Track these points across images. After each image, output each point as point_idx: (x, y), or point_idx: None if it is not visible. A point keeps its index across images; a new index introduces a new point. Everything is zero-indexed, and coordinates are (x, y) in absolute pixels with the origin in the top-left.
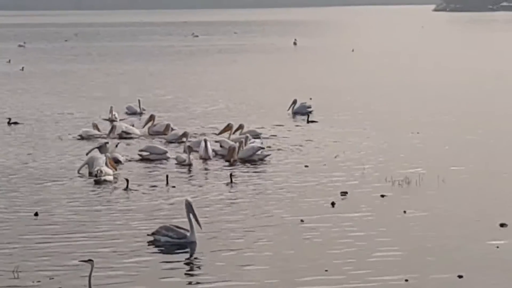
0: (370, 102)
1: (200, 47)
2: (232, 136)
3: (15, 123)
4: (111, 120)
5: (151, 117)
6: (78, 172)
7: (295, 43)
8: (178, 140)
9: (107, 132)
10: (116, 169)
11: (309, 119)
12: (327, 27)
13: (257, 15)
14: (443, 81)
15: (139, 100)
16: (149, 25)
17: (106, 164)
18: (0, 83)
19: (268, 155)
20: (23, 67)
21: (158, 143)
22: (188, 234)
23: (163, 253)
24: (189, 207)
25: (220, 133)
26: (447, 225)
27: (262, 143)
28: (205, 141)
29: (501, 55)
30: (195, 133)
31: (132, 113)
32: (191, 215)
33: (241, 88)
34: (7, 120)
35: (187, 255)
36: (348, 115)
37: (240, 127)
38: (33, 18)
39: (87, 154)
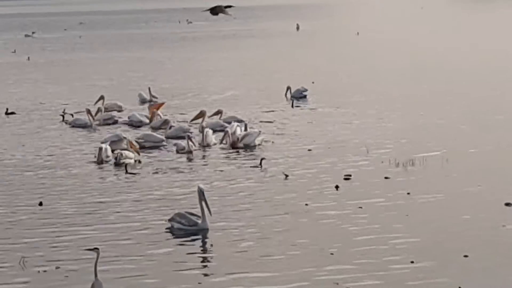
0: (375, 85)
1: (203, 33)
2: (209, 120)
3: (12, 113)
4: (150, 101)
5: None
6: (100, 162)
7: (297, 28)
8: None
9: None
10: (139, 153)
11: (293, 104)
12: (328, 10)
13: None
14: (448, 61)
15: (149, 88)
16: (148, 12)
17: (127, 148)
18: (3, 73)
19: (267, 140)
20: (28, 57)
21: None
22: (199, 221)
23: (176, 242)
24: (200, 194)
25: (192, 120)
26: (451, 205)
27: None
28: (203, 127)
29: (506, 34)
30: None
31: (142, 101)
32: (202, 202)
33: (248, 73)
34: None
35: (200, 244)
36: (352, 98)
37: (219, 112)
38: (38, 7)
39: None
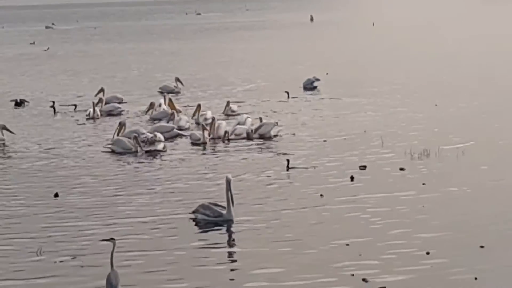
0: (390, 76)
1: (216, 24)
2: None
3: (23, 101)
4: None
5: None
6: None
7: (311, 19)
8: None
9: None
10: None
11: (289, 96)
12: (341, 1)
13: None
14: (468, 51)
15: (177, 78)
16: (159, 3)
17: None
18: (20, 64)
19: (280, 130)
20: (48, 48)
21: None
22: (224, 212)
23: (199, 234)
24: (227, 184)
25: (194, 115)
26: (467, 197)
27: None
28: (213, 119)
29: None
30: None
31: (168, 92)
32: (228, 193)
33: (265, 65)
34: (16, 100)
35: (223, 237)
36: (368, 89)
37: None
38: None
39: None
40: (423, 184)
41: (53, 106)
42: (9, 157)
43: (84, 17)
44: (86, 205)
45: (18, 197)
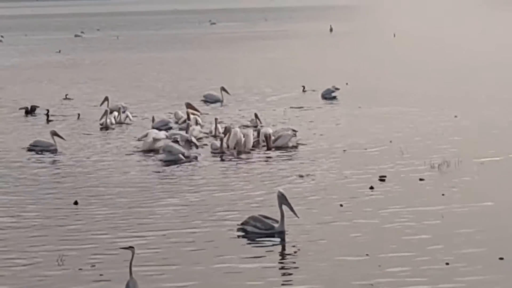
0: (411, 86)
1: (233, 34)
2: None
3: (34, 108)
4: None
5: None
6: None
7: (331, 29)
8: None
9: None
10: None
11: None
12: (361, 11)
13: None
14: (489, 63)
15: (222, 88)
16: (180, 13)
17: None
18: (42, 72)
19: (300, 139)
20: (59, 50)
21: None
22: (276, 224)
23: (217, 249)
24: (282, 198)
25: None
26: (486, 208)
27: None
28: (226, 128)
29: None
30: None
31: (213, 101)
32: (283, 206)
33: (290, 74)
34: (26, 108)
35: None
36: (388, 99)
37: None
38: (85, 8)
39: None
40: (443, 195)
41: (47, 114)
42: (28, 164)
43: (107, 25)
44: (108, 212)
45: (39, 204)
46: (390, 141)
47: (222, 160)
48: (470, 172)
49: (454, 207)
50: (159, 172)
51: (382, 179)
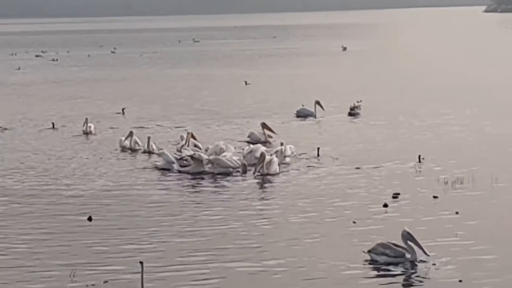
0: (424, 104)
1: (269, 50)
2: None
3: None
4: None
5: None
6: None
7: (344, 49)
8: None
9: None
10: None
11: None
12: (373, 30)
13: (298, 19)
14: (499, 82)
15: (317, 102)
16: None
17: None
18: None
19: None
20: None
21: None
22: (408, 254)
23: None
24: (408, 237)
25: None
26: (500, 225)
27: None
28: (262, 154)
29: None
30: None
31: (305, 115)
32: (410, 243)
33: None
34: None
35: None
36: (401, 117)
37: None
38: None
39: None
40: (457, 212)
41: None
42: (42, 179)
43: (144, 41)
44: (122, 227)
45: (52, 219)
46: (401, 158)
47: (243, 177)
48: (484, 189)
49: (467, 224)
50: (181, 189)
51: (395, 196)
